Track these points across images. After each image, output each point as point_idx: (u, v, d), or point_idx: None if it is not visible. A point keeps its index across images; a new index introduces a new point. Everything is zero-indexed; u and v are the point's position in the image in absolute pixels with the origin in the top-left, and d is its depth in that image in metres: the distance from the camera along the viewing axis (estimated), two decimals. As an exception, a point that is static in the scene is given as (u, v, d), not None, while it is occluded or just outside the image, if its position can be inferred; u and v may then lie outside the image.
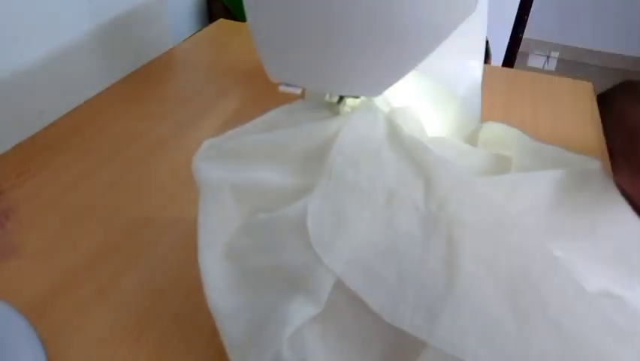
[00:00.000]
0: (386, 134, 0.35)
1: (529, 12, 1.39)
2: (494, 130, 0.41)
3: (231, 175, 0.35)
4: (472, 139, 0.43)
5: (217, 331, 0.33)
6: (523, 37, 1.44)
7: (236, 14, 1.07)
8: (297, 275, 0.31)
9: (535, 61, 2.43)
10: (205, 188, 0.35)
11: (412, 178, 0.32)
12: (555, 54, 2.46)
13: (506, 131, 0.40)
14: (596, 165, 0.34)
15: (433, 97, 0.44)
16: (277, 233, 0.33)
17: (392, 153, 0.34)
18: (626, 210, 0.34)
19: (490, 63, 1.31)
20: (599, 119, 0.67)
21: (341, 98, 0.37)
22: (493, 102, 0.68)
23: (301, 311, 0.30)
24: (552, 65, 2.43)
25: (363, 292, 0.30)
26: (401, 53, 0.33)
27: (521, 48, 1.47)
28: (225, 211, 0.35)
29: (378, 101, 0.39)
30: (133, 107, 0.65)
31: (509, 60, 1.47)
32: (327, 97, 0.37)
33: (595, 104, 0.71)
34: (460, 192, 0.31)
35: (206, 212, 0.35)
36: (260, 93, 0.68)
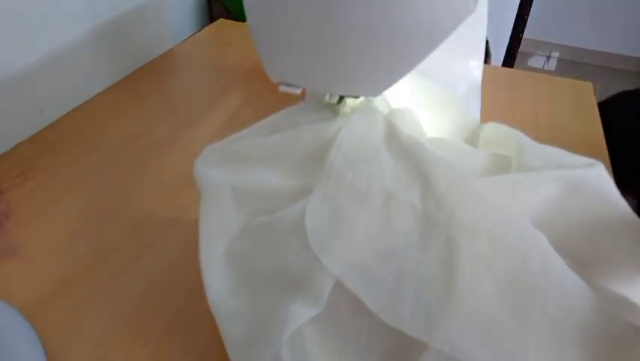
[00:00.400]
0: (385, 135, 0.35)
1: (529, 12, 1.38)
2: (494, 130, 0.41)
3: (232, 178, 0.35)
4: (472, 140, 0.43)
5: (217, 331, 0.33)
6: (523, 37, 1.44)
7: (237, 14, 1.07)
8: (296, 276, 0.31)
9: (535, 61, 2.43)
10: (206, 191, 0.35)
11: (411, 178, 0.32)
12: (555, 54, 2.46)
13: (506, 131, 0.40)
14: (598, 166, 0.34)
15: (433, 98, 0.44)
16: (277, 235, 0.33)
17: (391, 153, 0.34)
18: (626, 211, 0.34)
19: (490, 63, 1.31)
20: (599, 120, 0.67)
21: (341, 98, 0.37)
22: (493, 102, 0.68)
23: (301, 312, 0.30)
24: (552, 65, 2.43)
25: (362, 293, 0.30)
26: (401, 53, 0.33)
27: (521, 48, 1.47)
28: (226, 213, 0.35)
29: (379, 102, 0.39)
30: (133, 107, 0.65)
31: (509, 60, 1.47)
32: (327, 97, 0.37)
33: (595, 104, 0.71)
34: (459, 191, 0.31)
35: (207, 214, 0.35)
36: (260, 93, 0.68)
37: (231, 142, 0.36)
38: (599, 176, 0.34)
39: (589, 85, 0.76)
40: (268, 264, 0.33)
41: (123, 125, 0.61)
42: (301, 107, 0.37)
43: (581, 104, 0.71)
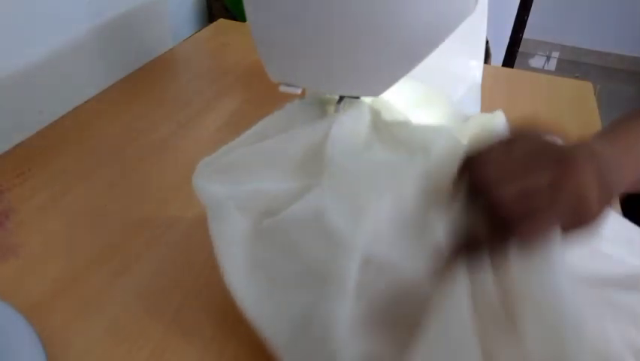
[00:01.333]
0: (371, 121, 0.36)
1: (529, 12, 1.38)
2: (480, 129, 0.42)
3: (231, 189, 0.35)
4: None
5: (217, 330, 0.33)
6: (523, 37, 1.44)
7: (237, 14, 1.07)
8: (319, 269, 0.31)
9: (535, 61, 2.43)
10: (210, 207, 0.35)
11: (407, 152, 0.33)
12: (555, 54, 2.46)
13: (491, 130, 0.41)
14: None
15: (421, 97, 0.44)
16: (286, 235, 0.33)
17: (382, 142, 0.35)
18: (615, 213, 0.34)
19: (490, 63, 1.31)
20: (599, 119, 0.67)
21: (341, 98, 0.37)
22: (493, 102, 0.68)
23: (336, 306, 0.30)
24: (552, 65, 2.43)
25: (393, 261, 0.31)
26: (401, 53, 0.33)
27: (521, 48, 1.47)
28: (234, 225, 0.35)
29: (380, 104, 0.39)
30: (133, 107, 0.65)
31: (509, 60, 1.47)
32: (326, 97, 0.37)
33: (595, 104, 0.71)
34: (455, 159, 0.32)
35: (217, 231, 0.35)
36: (260, 93, 0.68)
37: (223, 153, 0.36)
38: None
39: (589, 85, 0.76)
40: (289, 265, 0.33)
41: (123, 125, 0.61)
42: (285, 112, 0.37)
43: (581, 104, 0.71)
